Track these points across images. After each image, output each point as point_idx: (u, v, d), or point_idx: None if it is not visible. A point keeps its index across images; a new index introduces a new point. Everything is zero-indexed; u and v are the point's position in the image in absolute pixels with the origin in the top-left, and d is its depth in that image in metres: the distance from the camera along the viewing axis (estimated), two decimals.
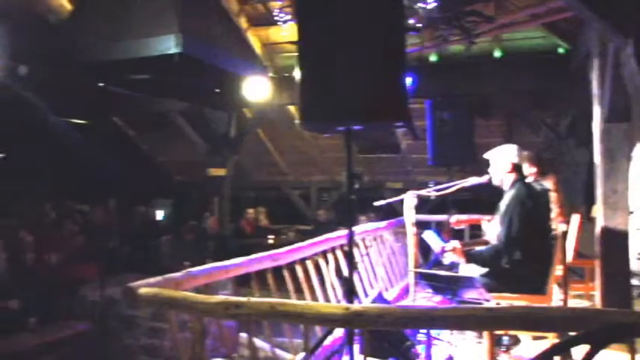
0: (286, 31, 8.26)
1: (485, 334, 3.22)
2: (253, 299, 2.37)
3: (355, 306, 2.43)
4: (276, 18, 8.04)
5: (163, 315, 5.92)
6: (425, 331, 3.68)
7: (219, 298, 2.43)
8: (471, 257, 4.09)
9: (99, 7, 5.82)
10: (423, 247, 5.59)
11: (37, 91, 9.47)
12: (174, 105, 9.48)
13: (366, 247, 5.99)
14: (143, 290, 2.53)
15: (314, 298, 4.65)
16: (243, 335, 5.21)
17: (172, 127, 10.77)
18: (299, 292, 4.54)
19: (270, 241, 10.47)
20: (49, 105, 10.64)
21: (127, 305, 4.81)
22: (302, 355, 3.93)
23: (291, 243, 4.75)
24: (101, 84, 6.52)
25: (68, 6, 7.77)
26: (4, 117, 11.36)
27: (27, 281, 6.21)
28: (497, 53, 8.42)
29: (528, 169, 4.63)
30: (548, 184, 4.65)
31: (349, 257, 3.01)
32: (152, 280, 2.68)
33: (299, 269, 4.53)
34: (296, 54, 2.81)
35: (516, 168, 4.13)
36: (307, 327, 2.61)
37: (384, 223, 6.69)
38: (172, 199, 13.26)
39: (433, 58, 8.52)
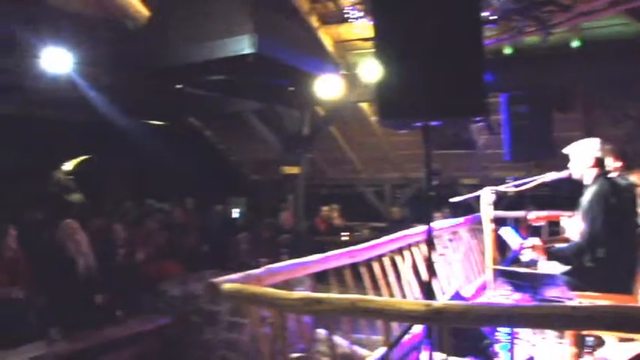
0: (358, 28, 8.26)
1: (569, 334, 3.12)
2: (334, 295, 2.39)
3: (436, 303, 2.41)
4: (347, 15, 8.05)
5: (242, 310, 6.09)
6: (505, 329, 3.61)
7: (301, 294, 2.47)
8: (552, 255, 3.97)
9: (174, 12, 5.98)
10: (500, 244, 5.49)
11: (117, 95, 9.90)
12: (249, 105, 9.64)
13: (443, 245, 5.93)
14: (226, 286, 2.59)
15: (391, 294, 4.64)
16: (320, 331, 5.27)
17: (247, 126, 10.97)
18: (376, 288, 4.55)
19: (344, 239, 10.52)
20: (129, 108, 11.09)
21: (210, 300, 4.95)
22: (379, 351, 3.94)
23: (365, 240, 4.75)
24: (179, 86, 6.71)
25: (145, 13, 8.07)
26: (88, 120, 11.93)
27: (115, 276, 6.47)
28: (575, 43, 8.08)
29: (612, 164, 4.45)
30: (635, 178, 4.46)
31: (428, 254, 2.99)
32: (234, 276, 2.74)
33: (376, 266, 4.54)
34: (370, 51, 2.81)
35: (599, 162, 3.98)
36: (387, 323, 2.60)
37: (460, 220, 6.60)
38: (247, 197, 13.53)
39: (508, 50, 8.30)
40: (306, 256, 3.97)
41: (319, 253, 3.94)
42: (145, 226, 8.05)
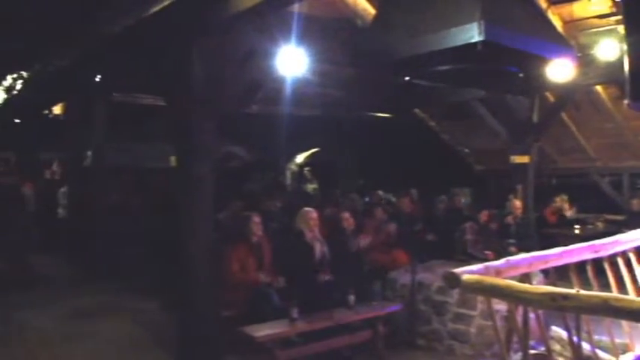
0: (595, 5, 7.65)
1: None
2: (583, 292, 2.25)
3: None
4: None
5: (470, 302, 6.02)
6: None
7: (546, 288, 2.36)
8: None
9: (399, 7, 6.04)
10: None
11: (346, 90, 10.35)
12: (474, 93, 9.47)
13: None
14: (465, 277, 2.58)
15: (639, 295, 4.24)
16: (555, 329, 5.00)
17: (472, 116, 10.78)
18: (620, 287, 4.19)
19: (576, 232, 9.87)
20: (357, 102, 11.54)
21: (449, 288, 4.93)
22: (626, 357, 3.63)
23: (600, 234, 4.40)
24: (406, 78, 6.80)
25: (372, 10, 8.31)
26: (319, 114, 12.66)
27: (346, 263, 6.79)
28: None
29: None
30: None
31: None
32: (473, 267, 2.71)
33: (620, 262, 4.18)
34: (610, 28, 2.57)
35: None
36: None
37: None
38: (472, 188, 13.30)
39: None
40: (533, 248, 3.77)
41: (549, 246, 3.73)
42: (374, 216, 8.29)
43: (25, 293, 7.75)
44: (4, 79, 9.28)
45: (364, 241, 7.52)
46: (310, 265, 6.47)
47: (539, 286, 2.43)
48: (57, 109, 13.31)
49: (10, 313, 6.62)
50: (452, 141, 14.12)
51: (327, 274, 6.51)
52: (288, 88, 7.99)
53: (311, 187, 14.24)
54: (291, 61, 6.13)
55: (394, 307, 6.31)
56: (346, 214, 7.44)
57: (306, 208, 6.91)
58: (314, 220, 6.67)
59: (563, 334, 4.09)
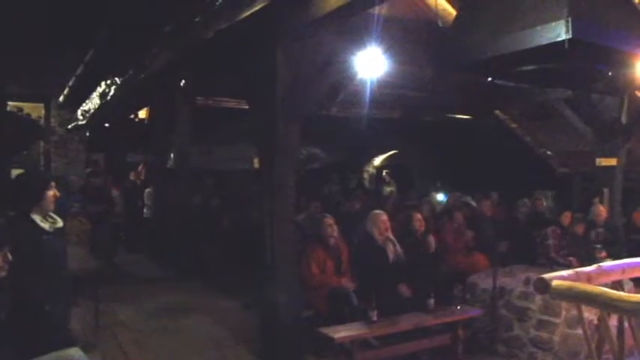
0: None
1: None
2: None
3: None
4: None
5: (553, 308, 5.85)
6: None
7: None
8: None
9: (482, 6, 5.94)
10: None
11: (427, 92, 10.26)
12: (558, 93, 9.19)
13: None
14: (556, 282, 2.51)
15: None
16: None
17: (555, 116, 10.45)
18: None
19: None
20: (438, 104, 11.42)
21: (538, 294, 4.82)
22: None
23: None
24: (489, 79, 6.68)
25: (452, 10, 8.20)
26: (399, 116, 12.60)
27: (424, 266, 6.73)
28: None
29: None
30: None
31: None
32: (564, 273, 2.64)
33: None
34: None
35: None
36: None
37: None
38: (555, 190, 12.90)
39: None
40: (621, 255, 3.59)
41: (638, 252, 3.58)
42: (453, 219, 8.19)
43: (113, 290, 8.11)
44: (99, 85, 9.77)
45: (431, 242, 7.34)
46: (385, 267, 6.43)
47: (636, 295, 2.34)
48: (142, 113, 13.88)
49: (100, 308, 6.95)
50: (534, 143, 13.73)
51: (403, 276, 6.44)
52: (367, 91, 8.01)
53: (388, 189, 14.20)
54: (371, 64, 6.13)
55: (474, 311, 6.22)
56: (418, 215, 7.32)
57: (376, 211, 6.87)
58: (384, 223, 6.62)
59: None
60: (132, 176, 13.84)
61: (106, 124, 14.48)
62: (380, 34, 5.94)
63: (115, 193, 12.18)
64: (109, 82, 9.24)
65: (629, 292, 4.98)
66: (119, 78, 8.69)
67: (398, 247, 6.63)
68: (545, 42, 5.06)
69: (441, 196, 11.34)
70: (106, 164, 15.58)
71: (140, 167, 13.71)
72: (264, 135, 5.93)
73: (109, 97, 9.50)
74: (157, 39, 6.86)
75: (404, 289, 6.32)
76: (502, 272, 6.64)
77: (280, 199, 5.72)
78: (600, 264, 3.00)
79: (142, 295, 8.51)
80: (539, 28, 5.08)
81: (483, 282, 6.60)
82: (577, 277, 2.66)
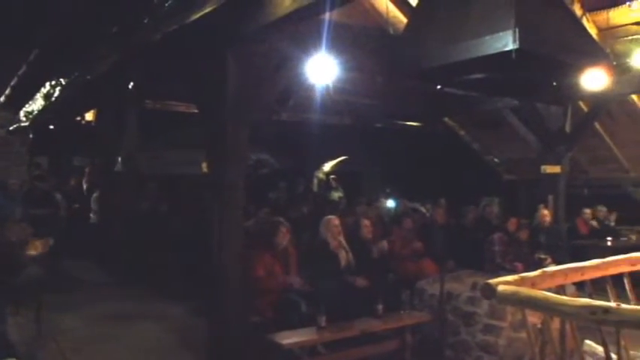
0: (636, 12, 7.53)
1: None
2: (625, 306, 2.20)
3: None
4: None
5: (499, 313, 5.95)
6: None
7: (585, 301, 2.32)
8: None
9: (432, 14, 6.02)
10: None
11: (376, 98, 10.35)
12: (506, 102, 9.42)
13: None
14: (501, 288, 2.55)
15: None
16: (589, 343, 4.91)
17: (503, 125, 10.70)
18: None
19: (609, 244, 9.76)
20: (386, 111, 11.54)
21: (484, 299, 4.88)
22: None
23: (632, 247, 4.31)
24: (438, 87, 6.77)
25: (403, 18, 8.30)
26: (347, 122, 12.67)
27: (373, 271, 6.76)
28: None
29: None
30: None
31: None
32: (508, 278, 2.68)
33: None
34: None
35: None
36: None
37: None
38: (500, 197, 13.17)
39: None
40: (565, 260, 3.70)
41: (580, 257, 3.69)
42: (402, 225, 8.25)
43: (56, 297, 7.87)
44: (44, 85, 9.47)
45: (382, 246, 7.40)
46: (336, 273, 6.45)
47: (577, 299, 2.39)
48: (89, 116, 13.53)
49: (43, 314, 6.74)
50: (481, 150, 14.02)
51: (353, 282, 6.47)
52: (318, 97, 8.02)
53: (336, 194, 14.25)
54: (322, 70, 6.14)
55: (422, 316, 6.27)
56: (366, 222, 7.39)
57: (329, 216, 6.91)
58: (336, 227, 6.65)
59: (598, 348, 4.02)
60: (73, 181, 13.49)
61: (51, 126, 14.05)
62: (331, 41, 5.96)
63: (59, 197, 11.82)
64: (53, 82, 8.98)
65: (571, 296, 5.10)
66: (64, 79, 8.46)
67: (350, 253, 6.66)
68: (492, 51, 5.16)
69: (390, 203, 11.41)
70: (51, 167, 15.12)
71: (86, 170, 13.36)
72: (213, 140, 5.85)
73: (53, 99, 9.22)
74: (105, 40, 6.71)
75: (360, 282, 6.36)
76: (450, 277, 6.71)
77: (229, 204, 5.65)
78: (544, 269, 3.06)
79: (87, 302, 8.29)
80: (487, 37, 5.17)
81: (431, 287, 6.67)
82: (522, 282, 2.70)
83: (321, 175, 16.77)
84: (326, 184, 15.79)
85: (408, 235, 8.13)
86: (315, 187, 16.01)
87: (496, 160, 14.08)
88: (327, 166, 17.06)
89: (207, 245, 5.79)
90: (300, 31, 5.77)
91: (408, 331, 6.04)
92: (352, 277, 6.49)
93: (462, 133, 13.62)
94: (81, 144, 14.44)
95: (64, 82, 8.62)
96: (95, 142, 12.26)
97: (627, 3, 7.41)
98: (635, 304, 3.41)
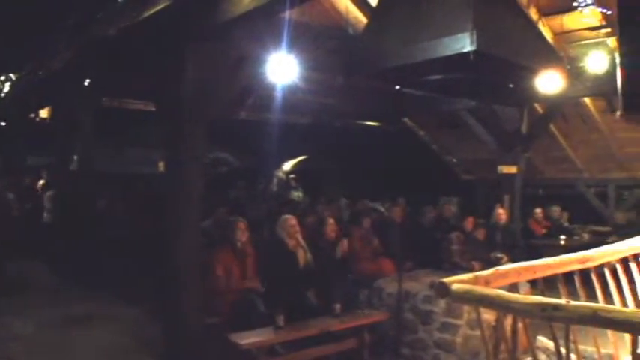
0: (587, 17, 7.72)
1: None
2: (574, 302, 2.24)
3: None
4: (575, 4, 7.57)
5: (456, 311, 6.02)
6: None
7: (536, 298, 2.35)
8: None
9: (392, 15, 6.06)
10: None
11: (336, 98, 10.36)
12: (464, 103, 9.53)
13: None
14: (455, 286, 2.57)
15: (624, 305, 4.25)
16: (541, 338, 5.01)
17: (462, 125, 10.83)
18: (607, 298, 4.19)
19: (562, 242, 9.96)
20: (346, 110, 11.57)
21: (439, 298, 4.93)
22: None
23: (585, 245, 4.41)
24: (397, 87, 6.82)
25: (363, 18, 8.33)
26: (307, 122, 12.68)
27: (331, 271, 6.74)
28: None
29: None
30: None
31: None
32: (463, 276, 2.70)
33: (608, 274, 4.18)
34: (599, 41, 2.59)
35: None
36: (634, 337, 2.37)
37: None
38: (459, 197, 13.35)
39: None
40: (521, 258, 3.76)
41: (535, 256, 3.75)
42: (361, 225, 8.27)
43: (7, 301, 7.63)
44: None
45: (343, 246, 7.40)
46: (294, 273, 6.42)
47: (529, 296, 2.43)
48: (44, 113, 13.20)
49: None
50: (440, 150, 14.18)
51: (310, 281, 6.45)
52: (277, 95, 7.99)
53: (296, 194, 14.23)
54: (282, 68, 6.12)
55: (380, 315, 6.30)
56: (330, 220, 7.38)
57: (285, 216, 6.83)
58: (293, 227, 6.59)
59: (549, 344, 4.10)
60: (27, 180, 13.13)
61: (2, 123, 13.66)
62: (291, 40, 5.94)
63: (11, 196, 11.50)
64: (2, 78, 8.73)
65: (525, 293, 5.19)
66: (14, 74, 8.23)
67: (308, 253, 6.63)
68: (450, 53, 5.22)
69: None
70: (4, 166, 14.69)
71: (43, 172, 13.01)
72: (169, 138, 5.77)
73: (3, 94, 8.96)
74: (58, 35, 6.56)
75: (311, 296, 6.32)
76: (407, 276, 6.77)
77: (186, 203, 5.58)
78: (498, 267, 3.10)
79: (40, 305, 8.02)
80: (445, 39, 5.23)
81: (389, 286, 6.70)
82: (476, 281, 2.73)
83: (280, 175, 16.73)
84: (286, 184, 15.76)
85: (367, 235, 8.15)
86: (274, 187, 15.96)
87: (455, 160, 14.26)
88: (287, 166, 17.03)
89: (163, 245, 5.70)
90: (260, 29, 5.73)
91: (366, 329, 6.05)
92: (307, 289, 6.43)
93: (422, 133, 13.75)
94: (35, 142, 14.08)
95: (14, 78, 8.40)
96: (50, 140, 11.96)
97: (579, 9, 7.59)
98: (584, 301, 3.48)
